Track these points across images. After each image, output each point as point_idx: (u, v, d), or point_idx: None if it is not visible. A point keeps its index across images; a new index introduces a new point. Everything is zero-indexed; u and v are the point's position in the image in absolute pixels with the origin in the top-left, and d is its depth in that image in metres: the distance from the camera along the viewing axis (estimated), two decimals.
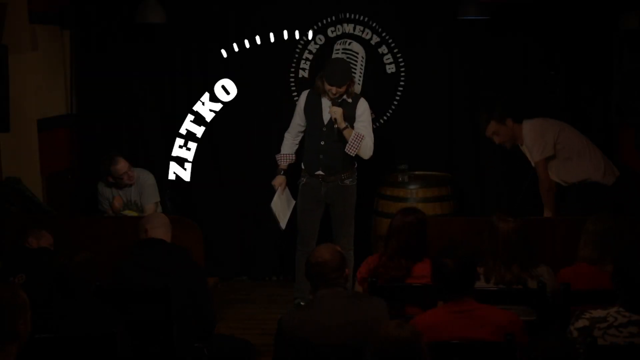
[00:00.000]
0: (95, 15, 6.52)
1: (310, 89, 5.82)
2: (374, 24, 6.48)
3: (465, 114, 6.56)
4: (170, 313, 3.92)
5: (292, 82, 6.58)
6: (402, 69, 6.50)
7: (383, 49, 6.51)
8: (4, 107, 5.07)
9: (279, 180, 5.86)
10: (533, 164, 5.62)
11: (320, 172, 5.74)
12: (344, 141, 5.59)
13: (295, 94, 6.54)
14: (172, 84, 6.66)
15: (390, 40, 6.49)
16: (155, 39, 6.58)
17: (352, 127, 5.59)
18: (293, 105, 6.44)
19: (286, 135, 5.94)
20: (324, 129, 5.69)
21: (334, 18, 6.50)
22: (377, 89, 6.44)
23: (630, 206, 5.68)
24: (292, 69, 6.57)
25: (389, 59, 6.49)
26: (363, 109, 5.67)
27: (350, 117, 5.62)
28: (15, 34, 5.78)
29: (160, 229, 4.40)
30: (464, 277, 3.32)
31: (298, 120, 5.86)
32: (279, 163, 5.91)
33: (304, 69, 6.57)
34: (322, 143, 5.70)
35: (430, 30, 6.48)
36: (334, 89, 5.54)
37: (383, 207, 6.09)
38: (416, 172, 6.36)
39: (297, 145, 5.92)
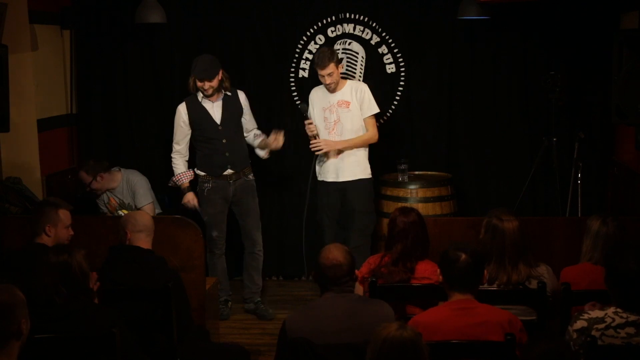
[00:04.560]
0: (95, 15, 6.53)
1: (184, 100, 5.82)
2: (374, 24, 6.48)
3: (465, 114, 6.56)
4: (171, 313, 3.92)
5: (292, 82, 6.58)
6: (402, 69, 6.50)
7: (383, 49, 6.51)
8: (4, 107, 5.06)
9: (191, 196, 5.86)
10: (368, 114, 5.79)
11: (229, 171, 5.78)
12: (240, 133, 5.81)
13: (295, 94, 6.54)
14: (171, 83, 6.65)
15: (390, 40, 6.49)
16: (155, 39, 6.58)
17: (241, 121, 5.82)
18: (294, 106, 6.45)
19: (175, 156, 5.87)
20: (220, 128, 5.74)
21: (334, 18, 6.50)
22: (377, 89, 6.43)
23: (630, 207, 5.68)
24: (292, 69, 6.57)
25: (389, 59, 6.49)
26: (244, 98, 5.87)
27: (238, 109, 5.79)
28: (15, 34, 5.79)
29: (141, 233, 4.22)
30: (475, 271, 3.34)
31: (183, 136, 5.82)
32: (181, 183, 5.87)
33: (304, 69, 6.57)
34: (224, 141, 5.75)
35: (430, 31, 6.48)
36: (206, 84, 5.62)
37: (383, 207, 6.08)
38: (416, 172, 6.36)
39: (188, 161, 5.91)
